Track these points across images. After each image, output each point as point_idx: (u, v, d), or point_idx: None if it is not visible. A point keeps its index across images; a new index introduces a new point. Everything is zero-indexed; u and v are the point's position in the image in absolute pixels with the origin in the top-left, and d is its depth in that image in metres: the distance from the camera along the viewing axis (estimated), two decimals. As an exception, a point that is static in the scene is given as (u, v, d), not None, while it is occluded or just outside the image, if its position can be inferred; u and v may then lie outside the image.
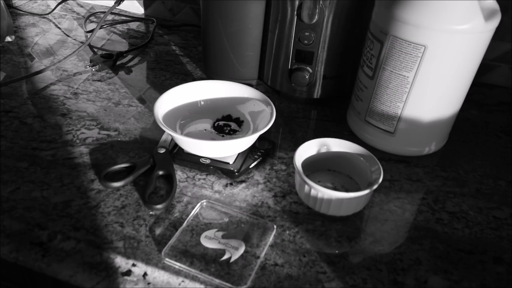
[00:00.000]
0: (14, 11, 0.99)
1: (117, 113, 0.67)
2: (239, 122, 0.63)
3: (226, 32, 0.70)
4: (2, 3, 0.83)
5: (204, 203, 0.52)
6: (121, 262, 0.44)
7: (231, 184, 0.55)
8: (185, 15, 1.00)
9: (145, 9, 1.03)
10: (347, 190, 0.54)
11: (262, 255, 0.46)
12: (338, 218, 0.51)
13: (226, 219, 0.50)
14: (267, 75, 0.74)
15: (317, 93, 0.71)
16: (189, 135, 0.60)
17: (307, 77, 0.68)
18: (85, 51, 0.85)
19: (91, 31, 0.91)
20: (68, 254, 0.45)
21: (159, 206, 0.50)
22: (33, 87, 0.72)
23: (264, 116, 0.59)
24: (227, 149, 0.55)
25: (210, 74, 0.77)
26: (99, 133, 0.62)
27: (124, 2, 0.91)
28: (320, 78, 0.69)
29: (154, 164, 0.56)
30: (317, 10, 0.62)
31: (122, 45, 0.88)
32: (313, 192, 0.49)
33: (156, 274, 0.43)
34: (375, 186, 0.49)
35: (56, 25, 0.95)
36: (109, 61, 0.79)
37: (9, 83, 0.72)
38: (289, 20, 0.65)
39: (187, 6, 0.99)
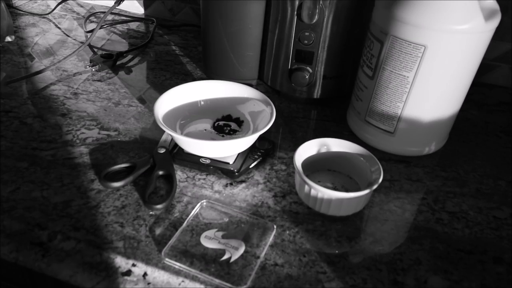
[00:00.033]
0: (14, 11, 0.99)
1: (117, 113, 0.67)
2: (239, 122, 0.63)
3: (226, 32, 0.70)
4: (2, 3, 0.83)
5: (204, 203, 0.52)
6: (121, 262, 0.44)
7: (231, 184, 0.55)
8: (185, 15, 1.00)
9: (145, 9, 1.03)
10: (347, 190, 0.54)
11: (262, 255, 0.46)
12: (338, 218, 0.51)
13: (226, 219, 0.50)
14: (267, 75, 0.74)
15: (317, 93, 0.71)
16: (189, 135, 0.60)
17: (307, 77, 0.68)
18: (85, 51, 0.85)
19: (91, 31, 0.91)
20: (68, 254, 0.45)
21: (159, 206, 0.50)
22: (33, 87, 0.72)
23: (264, 116, 0.59)
24: (227, 149, 0.55)
25: (210, 74, 0.77)
26: (99, 133, 0.62)
27: (124, 2, 0.91)
28: (320, 78, 0.69)
29: (154, 164, 0.56)
30: (317, 10, 0.62)
31: (122, 45, 0.88)
32: (313, 192, 0.49)
33: (156, 274, 0.44)
34: (375, 186, 0.49)
35: (56, 25, 0.95)
36: (109, 61, 0.79)
37: (9, 83, 0.72)
38: (289, 20, 0.65)
39: (187, 6, 0.99)
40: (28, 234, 0.47)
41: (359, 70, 0.62)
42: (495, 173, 0.60)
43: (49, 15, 1.00)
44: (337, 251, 0.47)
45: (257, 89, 0.66)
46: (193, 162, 0.56)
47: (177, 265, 0.44)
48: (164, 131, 0.60)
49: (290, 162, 0.59)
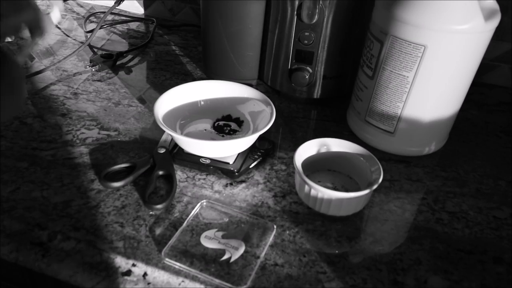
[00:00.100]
0: (14, 11, 0.99)
1: (117, 113, 0.67)
2: (239, 122, 0.63)
3: (226, 32, 0.70)
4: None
5: (204, 203, 0.52)
6: (121, 262, 0.44)
7: (231, 184, 0.55)
8: (185, 15, 1.00)
9: (145, 9, 1.03)
10: (347, 190, 0.54)
11: (262, 255, 0.46)
12: (338, 218, 0.51)
13: (226, 219, 0.50)
14: (267, 75, 0.74)
15: (317, 93, 0.71)
16: (189, 135, 0.60)
17: (307, 77, 0.68)
18: (85, 51, 0.85)
19: (91, 31, 0.91)
20: (68, 254, 0.45)
21: (159, 206, 0.50)
22: (33, 87, 0.72)
23: (264, 116, 0.59)
24: (227, 149, 0.55)
25: (210, 74, 0.77)
26: (99, 133, 0.62)
27: (124, 2, 0.91)
28: (320, 78, 0.69)
29: (154, 164, 0.56)
30: (317, 10, 0.62)
31: (122, 45, 0.88)
32: (313, 192, 0.49)
33: (156, 274, 0.43)
34: (375, 186, 0.49)
35: (56, 25, 0.95)
36: (109, 61, 0.79)
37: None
38: (289, 20, 0.65)
39: (187, 6, 0.99)
40: (28, 234, 0.47)
41: (359, 70, 0.62)
42: (495, 173, 0.60)
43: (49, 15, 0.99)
44: (337, 251, 0.47)
45: (257, 89, 0.66)
46: (193, 162, 0.56)
47: (177, 265, 0.44)
48: (164, 131, 0.60)
49: (290, 162, 0.59)
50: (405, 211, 0.53)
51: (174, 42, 0.92)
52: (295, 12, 0.64)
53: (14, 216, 0.49)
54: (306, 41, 0.65)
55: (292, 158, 0.54)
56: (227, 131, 0.62)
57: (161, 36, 0.94)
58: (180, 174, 0.56)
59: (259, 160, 0.57)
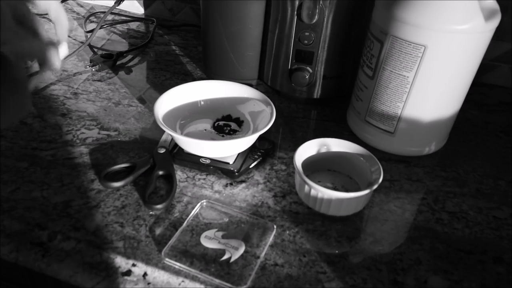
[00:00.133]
0: (14, 11, 0.99)
1: (117, 113, 0.67)
2: (239, 122, 0.63)
3: (226, 32, 0.70)
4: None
5: (204, 203, 0.52)
6: (121, 262, 0.44)
7: (231, 184, 0.55)
8: (185, 15, 1.00)
9: (145, 9, 1.03)
10: (347, 190, 0.54)
11: (262, 255, 0.46)
12: (338, 218, 0.51)
13: (226, 219, 0.50)
14: (267, 75, 0.74)
15: (317, 93, 0.71)
16: (189, 135, 0.60)
17: (307, 77, 0.68)
18: (85, 51, 0.85)
19: (91, 31, 0.91)
20: (68, 254, 0.45)
21: (159, 206, 0.50)
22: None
23: (264, 116, 0.59)
24: (227, 149, 0.55)
25: (210, 74, 0.77)
26: (99, 133, 0.62)
27: (124, 2, 0.91)
28: (320, 78, 0.69)
29: (154, 164, 0.56)
30: (317, 10, 0.62)
31: (122, 45, 0.88)
32: (313, 192, 0.49)
33: (156, 274, 0.43)
34: (375, 186, 0.49)
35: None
36: (109, 61, 0.79)
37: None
38: (289, 20, 0.65)
39: (187, 6, 0.99)
40: (28, 234, 0.47)
41: (359, 70, 0.62)
42: (495, 173, 0.60)
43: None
44: (337, 251, 0.47)
45: (257, 89, 0.66)
46: (193, 162, 0.56)
47: (177, 265, 0.44)
48: (164, 131, 0.60)
49: (290, 162, 0.59)
50: (405, 211, 0.53)
51: (174, 42, 0.92)
52: (295, 12, 0.64)
53: (14, 216, 0.49)
54: (306, 41, 0.65)
55: (292, 158, 0.54)
56: (227, 131, 0.62)
57: (161, 36, 0.94)
58: (180, 174, 0.56)
59: (259, 160, 0.57)
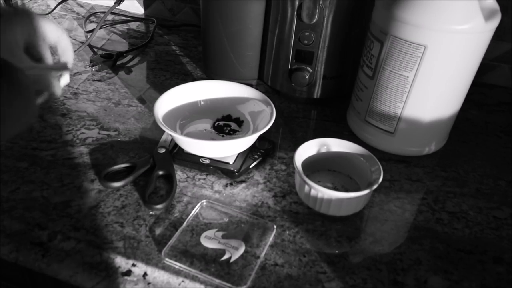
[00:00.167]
0: (14, 11, 0.99)
1: (117, 113, 0.67)
2: (239, 122, 0.63)
3: (226, 32, 0.70)
4: (2, 3, 0.83)
5: (204, 203, 0.52)
6: (121, 262, 0.44)
7: (231, 184, 0.55)
8: (185, 15, 1.00)
9: (145, 9, 1.03)
10: (347, 190, 0.54)
11: (262, 255, 0.46)
12: (338, 218, 0.51)
13: (226, 219, 0.50)
14: (267, 75, 0.74)
15: (317, 93, 0.71)
16: (189, 135, 0.60)
17: (307, 77, 0.68)
18: (85, 51, 0.85)
19: (91, 31, 0.91)
20: (68, 254, 0.45)
21: (159, 206, 0.50)
22: (33, 87, 0.72)
23: (264, 116, 0.59)
24: (227, 149, 0.55)
25: (210, 74, 0.77)
26: (99, 133, 0.62)
27: (124, 2, 0.91)
28: (320, 78, 0.69)
29: (154, 164, 0.56)
30: (317, 10, 0.62)
31: (122, 45, 0.88)
32: (313, 192, 0.49)
33: (156, 274, 0.43)
34: (375, 186, 0.49)
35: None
36: (109, 61, 0.79)
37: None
38: (289, 20, 0.65)
39: (187, 6, 0.99)
40: (28, 234, 0.47)
41: (359, 70, 0.62)
42: (495, 173, 0.60)
43: (49, 15, 1.00)
44: (337, 251, 0.47)
45: (257, 89, 0.66)
46: (193, 162, 0.56)
47: (177, 265, 0.44)
48: (164, 131, 0.60)
49: (290, 162, 0.59)
50: (405, 211, 0.53)
51: (174, 42, 0.92)
52: (295, 12, 0.64)
53: (14, 216, 0.49)
54: (306, 41, 0.65)
55: (292, 158, 0.54)
56: (227, 131, 0.62)
57: (161, 36, 0.94)
58: (180, 174, 0.56)
59: (259, 160, 0.57)
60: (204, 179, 0.56)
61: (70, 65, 0.49)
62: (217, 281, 0.43)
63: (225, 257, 0.45)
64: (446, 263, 0.47)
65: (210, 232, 0.48)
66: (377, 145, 0.62)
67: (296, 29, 0.65)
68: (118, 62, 0.82)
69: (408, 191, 0.56)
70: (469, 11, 0.50)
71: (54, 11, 1.01)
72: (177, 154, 0.57)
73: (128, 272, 0.44)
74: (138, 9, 1.04)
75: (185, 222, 0.49)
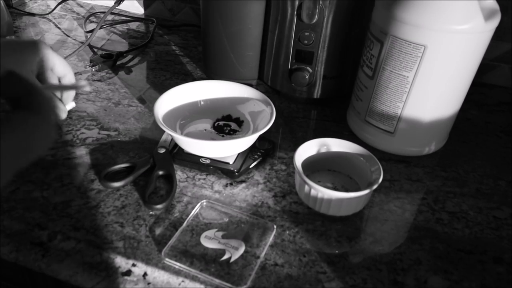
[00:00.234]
0: (14, 11, 0.99)
1: (117, 113, 0.67)
2: (239, 122, 0.63)
3: (226, 32, 0.70)
4: (2, 3, 0.83)
5: (204, 203, 0.52)
6: (121, 262, 0.44)
7: (231, 184, 0.55)
8: (185, 15, 1.00)
9: (145, 9, 1.03)
10: (347, 190, 0.54)
11: (262, 255, 0.46)
12: (338, 218, 0.51)
13: (226, 219, 0.50)
14: (267, 75, 0.74)
15: (317, 93, 0.71)
16: (189, 135, 0.60)
17: (307, 77, 0.68)
18: (85, 51, 0.85)
19: (91, 31, 0.91)
20: (68, 254, 0.45)
21: (159, 206, 0.50)
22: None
23: (264, 116, 0.59)
24: (227, 149, 0.55)
25: (210, 74, 0.77)
26: (99, 133, 0.62)
27: (124, 2, 0.91)
28: (320, 78, 0.69)
29: (154, 164, 0.56)
30: (317, 10, 0.62)
31: (122, 45, 0.88)
32: (313, 192, 0.49)
33: (156, 274, 0.43)
34: (375, 186, 0.49)
35: (56, 25, 0.95)
36: (109, 61, 0.79)
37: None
38: (289, 20, 0.65)
39: (187, 6, 0.99)
40: (28, 234, 0.47)
41: (359, 70, 0.62)
42: (495, 173, 0.60)
43: (49, 15, 1.00)
44: (337, 251, 0.47)
45: (257, 89, 0.66)
46: (193, 162, 0.56)
47: (177, 265, 0.44)
48: (164, 131, 0.60)
49: (290, 162, 0.59)
50: (405, 211, 0.53)
51: (174, 42, 0.92)
52: (295, 12, 0.64)
53: (14, 216, 0.49)
54: (306, 41, 0.65)
55: (292, 158, 0.54)
56: (227, 131, 0.62)
57: (161, 36, 0.94)
58: (180, 174, 0.56)
59: (259, 160, 0.57)
60: (204, 179, 0.56)
61: (72, 97, 0.53)
62: (217, 281, 0.43)
63: (225, 257, 0.45)
64: (446, 263, 0.47)
65: (210, 232, 0.48)
66: (377, 145, 0.62)
67: (296, 29, 0.65)
68: (118, 62, 0.82)
69: (408, 191, 0.56)
70: (469, 11, 0.50)
71: (54, 11, 1.01)
72: (177, 154, 0.57)
73: (128, 272, 0.44)
74: (138, 9, 1.04)
75: (185, 222, 0.49)
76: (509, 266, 0.47)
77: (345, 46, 0.67)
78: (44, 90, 0.43)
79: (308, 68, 0.68)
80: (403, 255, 0.47)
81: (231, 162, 0.56)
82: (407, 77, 0.54)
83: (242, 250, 0.46)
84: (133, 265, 0.44)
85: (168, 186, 0.54)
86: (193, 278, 0.43)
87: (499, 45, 0.80)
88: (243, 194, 0.54)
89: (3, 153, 0.27)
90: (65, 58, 0.79)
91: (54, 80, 0.50)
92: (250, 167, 0.56)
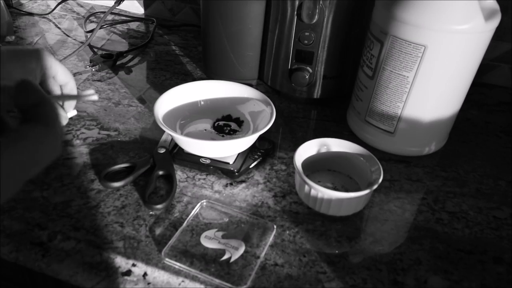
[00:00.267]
0: (14, 11, 0.99)
1: (117, 113, 0.67)
2: (239, 122, 0.63)
3: (226, 32, 0.70)
4: (2, 2, 0.83)
5: (204, 203, 0.52)
6: (121, 262, 0.44)
7: (231, 184, 0.55)
8: (185, 15, 1.00)
9: (145, 9, 1.03)
10: (347, 190, 0.54)
11: (262, 255, 0.46)
12: (338, 218, 0.51)
13: (226, 219, 0.50)
14: (267, 75, 0.74)
15: (317, 93, 0.71)
16: (189, 135, 0.60)
17: (307, 77, 0.68)
18: (85, 51, 0.85)
19: (91, 31, 0.91)
20: (68, 254, 0.45)
21: (159, 206, 0.50)
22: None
23: (264, 116, 0.59)
24: (227, 149, 0.55)
25: (210, 74, 0.77)
26: (99, 133, 0.62)
27: (124, 2, 0.91)
28: (320, 78, 0.69)
29: (154, 164, 0.56)
30: (317, 10, 0.62)
31: (122, 45, 0.88)
32: (313, 192, 0.49)
33: (156, 274, 0.43)
34: (375, 186, 0.49)
35: (56, 25, 0.95)
36: (109, 61, 0.79)
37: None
38: (289, 20, 0.65)
39: (187, 6, 0.99)
40: (28, 234, 0.47)
41: (359, 70, 0.62)
42: (495, 173, 0.60)
43: (49, 15, 1.00)
44: (337, 251, 0.47)
45: (257, 89, 0.66)
46: (193, 162, 0.56)
47: (177, 265, 0.44)
48: (164, 131, 0.60)
49: (290, 162, 0.59)
50: (405, 211, 0.53)
51: (174, 42, 0.92)
52: (295, 12, 0.64)
53: (14, 216, 0.49)
54: (306, 41, 0.65)
55: (292, 158, 0.54)
56: (227, 131, 0.62)
57: (161, 36, 0.94)
58: (180, 174, 0.56)
59: (259, 160, 0.57)
60: (204, 179, 0.56)
61: (73, 106, 0.55)
62: (217, 281, 0.43)
63: (225, 257, 0.45)
64: (446, 263, 0.47)
65: (210, 232, 0.48)
66: (377, 145, 0.62)
67: (296, 29, 0.65)
68: (118, 62, 0.82)
69: (408, 191, 0.56)
70: (469, 11, 0.50)
71: (54, 11, 1.01)
72: (177, 154, 0.57)
73: (128, 272, 0.44)
74: (138, 9, 1.04)
75: (185, 222, 0.49)
76: (509, 266, 0.47)
77: (345, 46, 0.67)
78: (54, 100, 0.44)
79: (308, 68, 0.68)
80: (403, 255, 0.47)
81: (231, 162, 0.56)
82: (407, 77, 0.54)
83: (242, 250, 0.46)
84: (133, 265, 0.44)
85: (168, 186, 0.54)
86: (193, 278, 0.43)
87: (499, 45, 0.80)
88: (243, 194, 0.54)
89: (13, 166, 0.27)
90: (65, 58, 0.79)
91: (55, 88, 0.51)
92: (250, 167, 0.56)
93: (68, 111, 0.56)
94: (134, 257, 0.45)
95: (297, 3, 0.63)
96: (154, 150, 0.58)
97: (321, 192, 0.48)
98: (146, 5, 1.03)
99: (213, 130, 0.62)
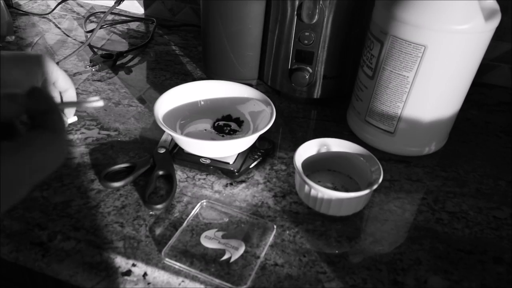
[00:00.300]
0: (14, 11, 0.99)
1: (117, 113, 0.67)
2: (239, 122, 0.63)
3: (226, 32, 0.70)
4: (2, 2, 0.83)
5: (204, 203, 0.52)
6: (121, 262, 0.44)
7: (231, 184, 0.55)
8: (185, 15, 1.00)
9: (145, 9, 1.03)
10: (347, 190, 0.54)
11: (262, 255, 0.46)
12: (338, 218, 0.51)
13: (226, 219, 0.50)
14: (267, 75, 0.74)
15: (317, 93, 0.71)
16: (189, 135, 0.60)
17: (307, 77, 0.68)
18: (85, 51, 0.85)
19: (91, 31, 0.91)
20: (68, 254, 0.45)
21: (159, 206, 0.50)
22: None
23: (264, 116, 0.59)
24: (227, 149, 0.55)
25: (210, 74, 0.77)
26: (99, 133, 0.62)
27: (124, 2, 0.91)
28: (320, 78, 0.69)
29: (154, 164, 0.56)
30: (317, 10, 0.62)
31: (122, 45, 0.88)
32: (313, 192, 0.49)
33: (156, 274, 0.44)
34: (375, 186, 0.49)
35: (56, 25, 0.95)
36: (109, 61, 0.79)
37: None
38: (289, 20, 0.65)
39: (187, 6, 0.99)
40: (28, 234, 0.47)
41: (359, 70, 0.62)
42: (495, 173, 0.60)
43: (49, 15, 1.00)
44: (337, 251, 0.47)
45: (257, 89, 0.66)
46: (193, 162, 0.56)
47: (177, 265, 0.44)
48: (164, 131, 0.60)
49: (290, 162, 0.59)
50: (405, 211, 0.53)
51: (174, 42, 0.92)
52: (295, 12, 0.64)
53: (14, 216, 0.49)
54: (306, 41, 0.65)
55: (292, 158, 0.54)
56: (227, 131, 0.62)
57: (161, 36, 0.94)
58: (180, 174, 0.56)
59: (259, 160, 0.57)
60: (204, 179, 0.56)
61: (73, 113, 0.56)
62: (217, 281, 0.43)
63: (225, 257, 0.45)
64: (446, 263, 0.47)
65: (210, 232, 0.48)
66: (377, 145, 0.62)
67: (296, 29, 0.65)
68: (118, 62, 0.82)
69: (408, 191, 0.56)
70: (469, 11, 0.50)
71: (54, 11, 1.01)
72: (177, 154, 0.57)
73: (128, 272, 0.44)
74: (138, 9, 1.04)
75: (185, 222, 0.49)
76: (509, 266, 0.47)
77: (345, 46, 0.67)
78: (61, 107, 0.44)
79: (308, 68, 0.68)
80: (403, 255, 0.47)
81: (231, 162, 0.56)
82: (407, 77, 0.54)
83: (242, 250, 0.46)
84: (133, 265, 0.44)
85: (168, 186, 0.54)
86: (193, 278, 0.43)
87: (499, 45, 0.80)
88: (243, 194, 0.54)
89: (21, 171, 0.27)
90: (65, 58, 0.79)
91: (55, 95, 0.52)
92: (250, 167, 0.56)
93: (69, 117, 0.57)
94: (134, 257, 0.45)
95: (297, 3, 0.63)
96: (154, 150, 0.58)
97: (321, 192, 0.48)
98: (146, 5, 1.03)
99: (213, 130, 0.62)
